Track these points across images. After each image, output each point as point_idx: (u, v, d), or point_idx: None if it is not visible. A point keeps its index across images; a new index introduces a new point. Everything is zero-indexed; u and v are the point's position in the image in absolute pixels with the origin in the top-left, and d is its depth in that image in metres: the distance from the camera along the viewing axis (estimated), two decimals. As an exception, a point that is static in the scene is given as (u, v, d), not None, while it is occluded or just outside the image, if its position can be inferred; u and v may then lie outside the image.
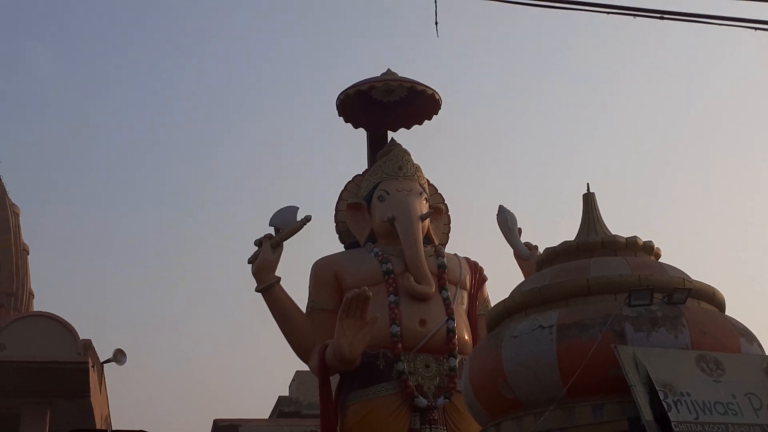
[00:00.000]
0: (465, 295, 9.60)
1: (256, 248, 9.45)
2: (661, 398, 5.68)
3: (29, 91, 35.37)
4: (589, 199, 7.15)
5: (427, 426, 8.73)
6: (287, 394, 17.68)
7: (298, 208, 9.53)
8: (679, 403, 5.69)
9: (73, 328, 13.36)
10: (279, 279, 9.41)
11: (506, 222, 9.80)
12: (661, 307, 6.23)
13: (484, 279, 9.90)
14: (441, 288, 9.33)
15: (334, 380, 9.35)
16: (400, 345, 8.95)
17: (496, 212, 9.90)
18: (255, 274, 9.40)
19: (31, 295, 16.74)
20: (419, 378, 8.89)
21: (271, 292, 9.36)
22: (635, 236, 6.95)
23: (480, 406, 6.68)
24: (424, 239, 9.56)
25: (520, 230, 9.89)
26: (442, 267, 9.46)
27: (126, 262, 34.88)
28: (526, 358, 6.21)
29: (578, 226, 7.05)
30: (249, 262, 9.46)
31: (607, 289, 6.41)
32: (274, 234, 9.48)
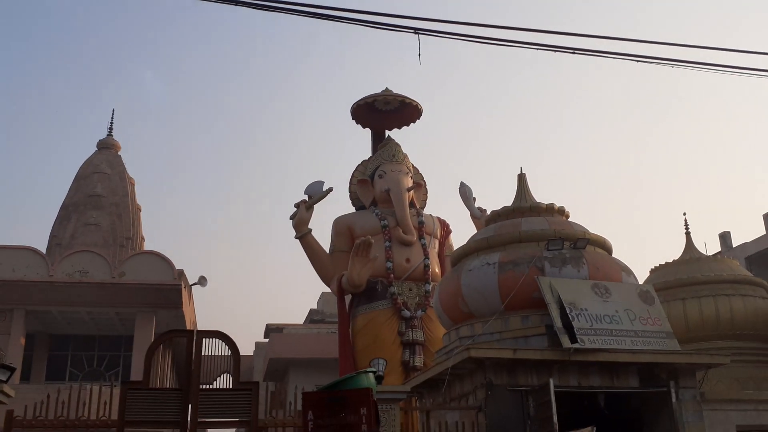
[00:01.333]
0: (436, 242, 9.57)
1: (295, 209, 9.40)
2: (567, 312, 5.70)
3: (143, 107, 34.98)
4: (522, 178, 7.13)
5: (410, 330, 8.75)
6: (316, 307, 17.64)
7: (324, 182, 9.50)
8: (579, 316, 5.71)
9: (170, 261, 13.27)
10: (311, 230, 9.38)
11: (465, 193, 9.76)
12: (569, 251, 6.24)
13: (449, 231, 9.86)
14: (420, 237, 9.31)
15: (348, 299, 9.31)
16: (392, 275, 8.97)
17: (459, 186, 9.85)
18: (294, 227, 9.37)
19: (143, 239, 16.66)
20: (405, 297, 8.93)
21: (306, 239, 9.34)
22: (552, 203, 6.92)
23: (446, 316, 6.69)
24: (409, 204, 9.52)
25: (474, 198, 9.83)
26: (421, 223, 9.44)
27: (207, 215, 34.79)
28: (477, 285, 6.20)
29: (513, 196, 7.04)
30: (290, 219, 9.43)
31: (533, 238, 6.43)
32: (307, 199, 9.42)
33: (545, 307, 5.81)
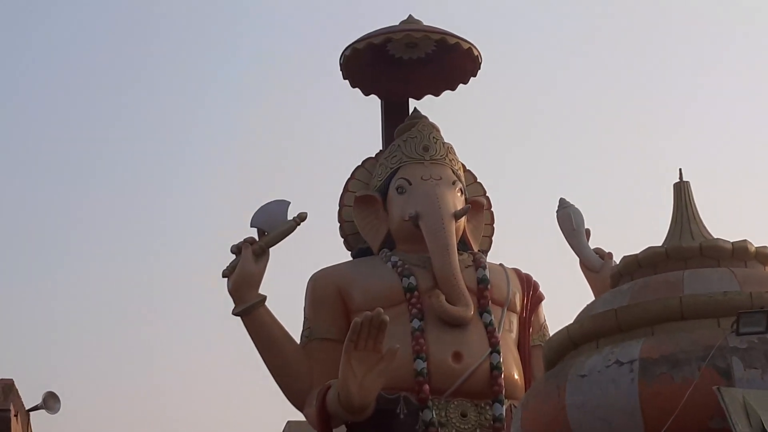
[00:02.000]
0: (515, 319, 9.67)
1: (234, 257, 9.52)
2: None
3: None
4: (682, 190, 7.12)
5: (466, 498, 8.85)
6: (301, 418, 17.67)
7: (288, 203, 9.60)
8: None
9: None
10: (264, 298, 9.48)
11: (569, 220, 9.87)
12: None
13: (540, 298, 9.97)
14: (482, 310, 9.39)
15: None
16: (427, 387, 9.00)
17: (557, 208, 9.98)
18: (232, 291, 9.47)
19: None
20: (453, 431, 8.96)
21: (254, 316, 9.43)
22: (745, 240, 6.94)
23: None
24: (459, 244, 9.63)
25: (588, 232, 9.95)
26: (483, 282, 9.52)
27: (62, 277, 35.06)
28: (598, 405, 6.18)
29: (667, 227, 7.05)
30: (224, 276, 9.53)
31: (708, 311, 6.39)
32: (257, 238, 9.55)
33: (735, 448, 5.88)
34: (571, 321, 6.84)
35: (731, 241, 6.91)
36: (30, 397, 14.86)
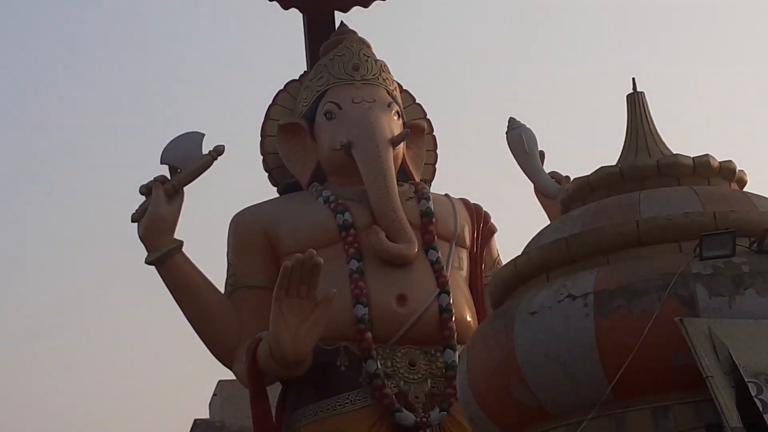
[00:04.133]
0: (464, 255, 9.83)
1: (144, 199, 9.60)
2: (753, 393, 5.76)
3: None
4: (636, 102, 7.19)
5: (417, 452, 8.99)
6: (207, 416, 17.90)
7: (203, 136, 9.72)
8: None
9: None
10: (180, 244, 9.60)
11: (521, 142, 9.89)
12: (748, 258, 6.29)
13: (492, 230, 10.13)
14: (427, 247, 9.53)
15: (275, 391, 9.55)
16: (369, 335, 9.16)
17: (506, 129, 10.01)
18: (143, 237, 9.57)
19: None
20: (401, 382, 9.12)
21: (169, 264, 9.55)
22: (707, 155, 7.02)
23: (485, 417, 6.75)
24: (398, 174, 9.76)
25: (542, 154, 9.99)
26: (428, 214, 9.66)
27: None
28: (550, 345, 6.27)
29: (621, 144, 7.15)
30: (133, 220, 9.63)
31: (668, 235, 6.45)
32: (169, 176, 9.65)
33: (702, 387, 5.93)
34: (520, 252, 6.93)
35: (692, 156, 6.97)
36: None
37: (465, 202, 10.12)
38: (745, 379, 5.79)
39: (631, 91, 7.23)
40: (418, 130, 10.14)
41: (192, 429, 18.80)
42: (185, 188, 9.63)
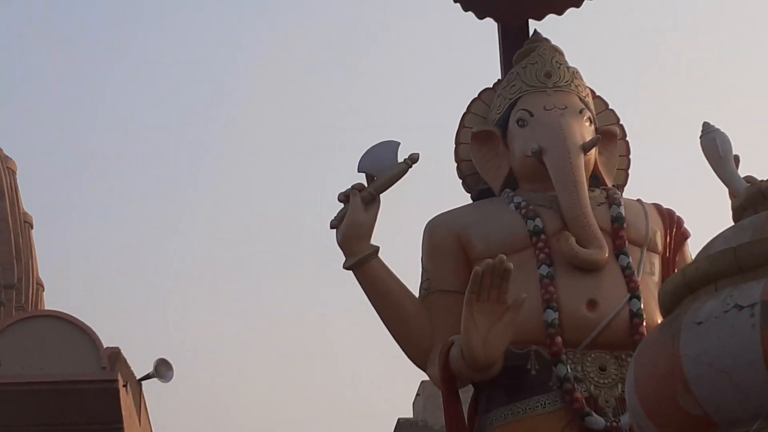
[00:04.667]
0: (656, 260, 9.86)
1: (342, 206, 9.86)
2: None
3: None
4: None
5: (607, 456, 9.03)
6: (411, 416, 18.09)
7: (398, 144, 9.94)
8: None
9: (94, 332, 14.05)
10: (377, 249, 9.83)
11: (715, 146, 9.63)
12: None
13: (685, 235, 10.11)
14: (618, 252, 9.61)
15: (467, 394, 9.71)
16: (560, 339, 9.27)
17: (700, 133, 9.91)
18: (341, 243, 9.82)
19: (40, 286, 17.47)
20: (592, 386, 9.22)
21: (366, 269, 9.80)
22: None
23: (652, 426, 6.73)
24: (590, 180, 9.88)
25: (737, 158, 9.71)
26: (618, 220, 9.72)
27: (168, 237, 36.13)
28: (716, 356, 6.24)
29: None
30: (332, 227, 9.90)
31: None
32: (365, 184, 9.90)
33: None
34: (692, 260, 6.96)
35: None
36: (140, 367, 15.66)
37: (657, 207, 10.13)
38: None
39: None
40: (610, 136, 10.19)
41: (396, 428, 19.08)
42: (382, 195, 9.85)
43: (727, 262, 6.63)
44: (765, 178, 7.12)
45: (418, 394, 18.22)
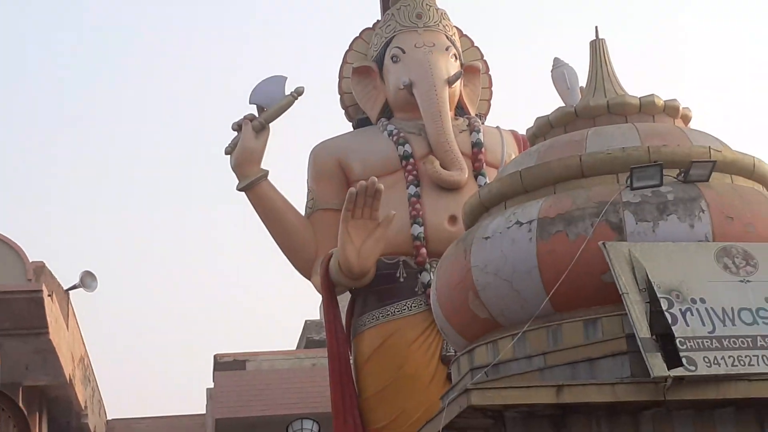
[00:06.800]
0: (511, 180, 11.00)
1: (235, 134, 10.86)
2: (664, 308, 6.35)
3: None
4: (597, 48, 7.64)
5: (465, 351, 10.15)
6: (317, 317, 19.07)
7: (286, 79, 10.90)
8: (688, 313, 6.35)
9: (20, 247, 14.96)
10: (266, 173, 10.83)
11: (563, 79, 10.77)
12: (674, 187, 6.76)
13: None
14: (477, 173, 10.62)
15: (344, 301, 10.86)
16: (424, 250, 10.31)
17: (551, 66, 10.94)
18: (235, 167, 10.83)
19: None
20: (452, 290, 10.27)
21: (257, 190, 10.80)
22: (652, 94, 7.47)
23: (452, 328, 7.45)
24: (456, 109, 10.88)
25: (582, 90, 10.31)
26: (478, 145, 10.74)
27: (90, 155, 37.10)
28: (499, 266, 6.89)
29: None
30: (226, 153, 10.92)
31: (607, 167, 6.95)
32: (256, 114, 10.86)
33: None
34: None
35: (639, 96, 7.47)
36: (67, 279, 16.70)
37: (514, 133, 11.12)
38: (658, 295, 6.37)
39: (594, 38, 7.75)
40: (474, 71, 11.21)
41: (303, 328, 20.08)
42: (271, 124, 10.83)
43: (514, 183, 7.31)
44: (554, 109, 7.79)
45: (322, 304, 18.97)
